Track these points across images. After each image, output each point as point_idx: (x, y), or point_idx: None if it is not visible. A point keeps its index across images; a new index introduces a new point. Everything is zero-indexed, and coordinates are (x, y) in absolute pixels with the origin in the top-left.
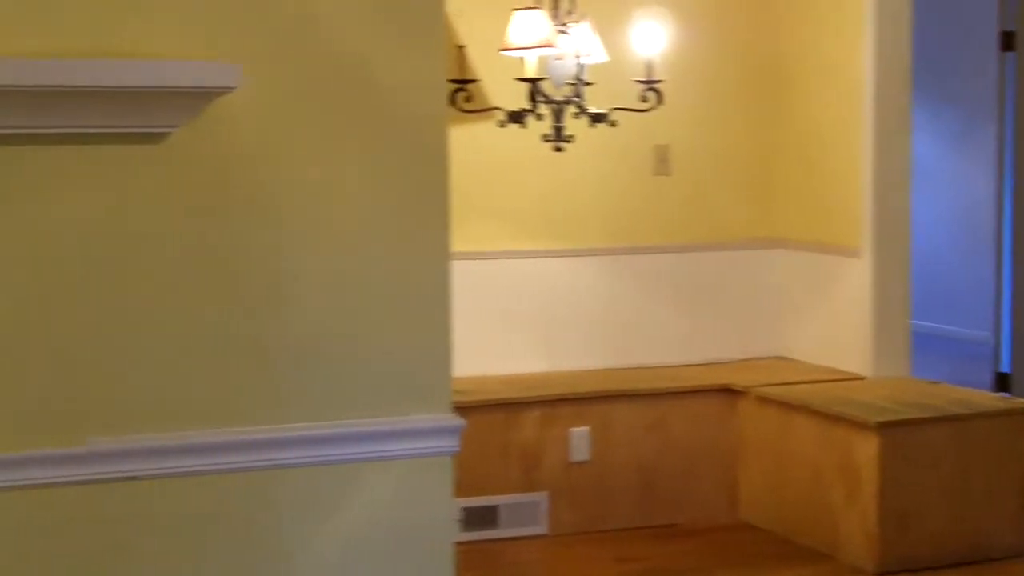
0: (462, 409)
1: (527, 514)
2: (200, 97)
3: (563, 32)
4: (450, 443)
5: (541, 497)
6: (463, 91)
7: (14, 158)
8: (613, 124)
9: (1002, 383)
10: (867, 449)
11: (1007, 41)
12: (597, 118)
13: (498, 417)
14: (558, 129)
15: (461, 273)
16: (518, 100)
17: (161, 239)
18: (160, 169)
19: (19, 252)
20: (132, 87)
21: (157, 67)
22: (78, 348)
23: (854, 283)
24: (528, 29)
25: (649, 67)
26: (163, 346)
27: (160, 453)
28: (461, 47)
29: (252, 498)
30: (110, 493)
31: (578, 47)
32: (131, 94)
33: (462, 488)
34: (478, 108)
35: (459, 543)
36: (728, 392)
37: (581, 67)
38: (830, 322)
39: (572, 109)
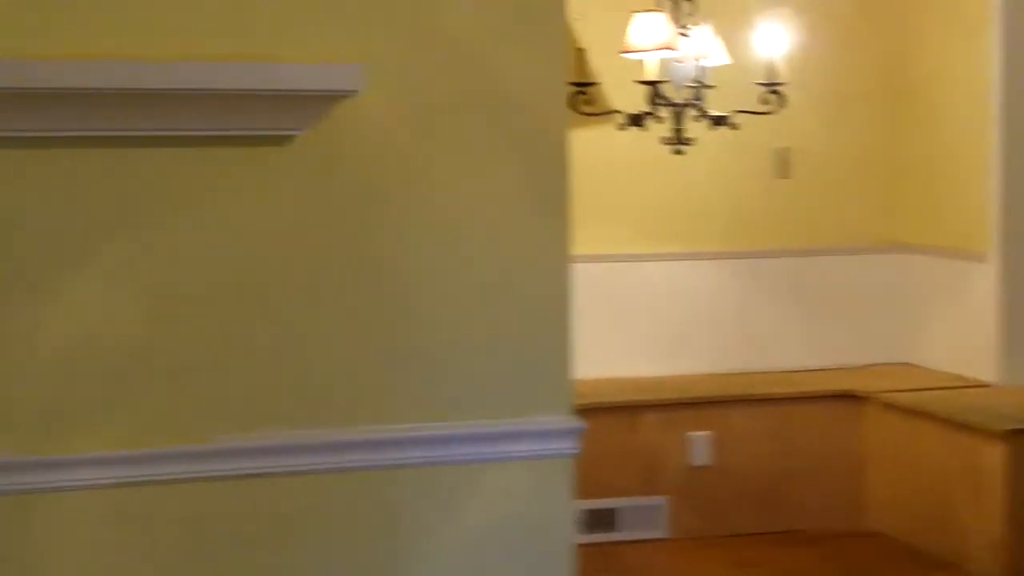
0: (583, 411)
1: (646, 517)
2: (325, 100)
3: (684, 34)
4: (571, 445)
5: (661, 501)
6: (583, 94)
7: (142, 160)
8: (734, 127)
9: None
10: (994, 457)
11: None
12: (718, 121)
13: (619, 420)
14: (678, 132)
15: (582, 276)
16: (638, 103)
17: (289, 241)
18: (288, 172)
19: (153, 253)
20: (257, 90)
21: (282, 70)
22: (211, 347)
23: (980, 288)
24: (649, 31)
25: (771, 69)
26: (292, 345)
27: (287, 451)
28: (581, 50)
29: (377, 496)
30: (237, 489)
31: (699, 49)
32: (257, 97)
33: (582, 490)
34: (598, 111)
35: (578, 545)
36: (851, 398)
37: (702, 69)
38: (956, 328)
39: (692, 112)
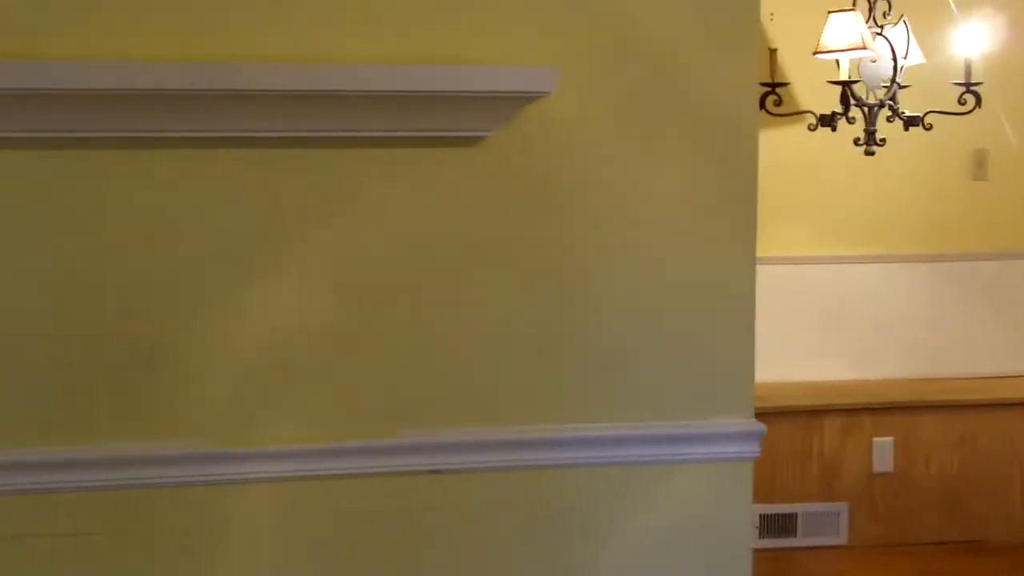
0: (763, 415)
1: (826, 524)
2: (518, 101)
3: (878, 34)
4: (750, 449)
5: (841, 507)
6: (773, 94)
7: (338, 161)
8: (928, 128)
9: None
10: None
11: None
12: (911, 121)
13: (799, 424)
14: (870, 133)
15: (768, 278)
16: (829, 103)
17: (477, 240)
18: (476, 172)
19: (342, 251)
20: (452, 92)
21: (476, 72)
22: (398, 343)
23: None
24: (842, 31)
25: (968, 69)
26: (475, 343)
27: (468, 448)
28: (773, 50)
29: (554, 495)
30: (419, 485)
31: (894, 49)
32: (451, 99)
33: (760, 494)
34: (788, 111)
35: (756, 550)
36: None
37: (896, 69)
38: None
39: (885, 112)
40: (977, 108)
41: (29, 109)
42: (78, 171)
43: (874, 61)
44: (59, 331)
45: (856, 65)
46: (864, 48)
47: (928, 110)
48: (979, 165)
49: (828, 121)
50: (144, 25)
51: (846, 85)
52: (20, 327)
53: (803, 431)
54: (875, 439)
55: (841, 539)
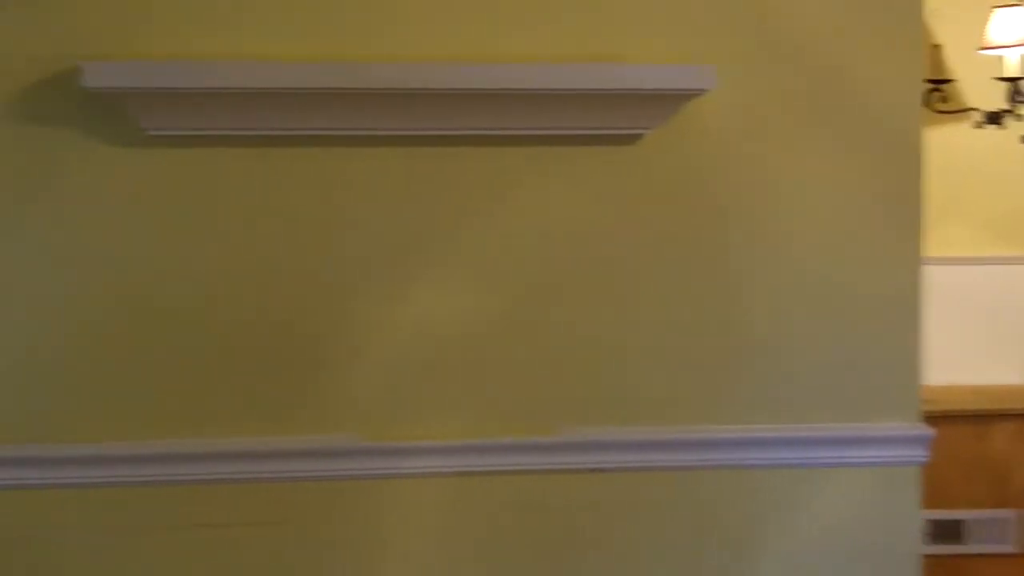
0: (930, 419)
1: (995, 531)
2: (677, 100)
3: None
4: (918, 453)
5: (1011, 514)
6: (938, 91)
7: (499, 158)
8: None
9: None
10: None
11: None
12: None
13: (967, 429)
14: None
15: (934, 278)
16: (996, 100)
17: (633, 238)
18: (633, 171)
19: (501, 249)
20: (613, 90)
21: (636, 71)
22: (555, 341)
23: None
24: (1010, 26)
25: None
26: (632, 342)
27: (626, 447)
28: (937, 46)
29: (714, 496)
30: (575, 483)
31: None
32: (610, 97)
33: (926, 500)
34: (953, 109)
35: (923, 556)
36: None
37: None
38: None
39: None
40: None
41: (193, 107)
42: (242, 169)
43: None
44: (222, 327)
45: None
46: None
47: None
48: None
49: (995, 118)
50: (294, 27)
51: (1014, 82)
52: (187, 321)
53: (972, 436)
54: None
55: (1011, 546)
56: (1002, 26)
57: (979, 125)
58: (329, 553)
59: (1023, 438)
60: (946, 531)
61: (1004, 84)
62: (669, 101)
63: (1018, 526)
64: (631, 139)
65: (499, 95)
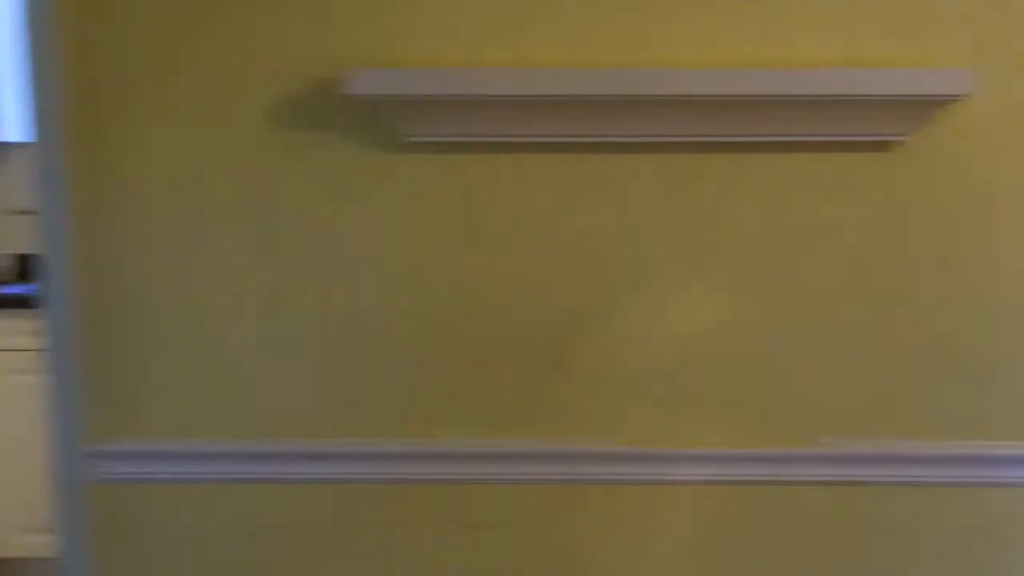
0: None
1: None
2: (935, 105)
3: None
4: None
5: None
6: None
7: (762, 165)
8: None
9: None
10: None
11: None
12: None
13: None
14: None
15: None
16: None
17: (890, 246)
18: (888, 177)
19: (763, 257)
20: (874, 96)
21: (895, 76)
22: (817, 350)
23: None
24: None
25: None
26: (890, 353)
27: (887, 460)
28: None
29: (962, 513)
30: (833, 495)
31: None
32: (871, 103)
33: None
34: None
35: None
36: None
37: None
38: None
39: None
40: None
41: (453, 114)
42: (501, 176)
43: None
44: (485, 331)
45: None
46: None
47: None
48: None
49: None
50: (557, 36)
51: None
52: (449, 324)
53: None
54: None
55: None
56: None
57: None
58: (595, 554)
59: None
60: None
61: None
62: (925, 107)
63: None
64: (888, 145)
65: (759, 102)
